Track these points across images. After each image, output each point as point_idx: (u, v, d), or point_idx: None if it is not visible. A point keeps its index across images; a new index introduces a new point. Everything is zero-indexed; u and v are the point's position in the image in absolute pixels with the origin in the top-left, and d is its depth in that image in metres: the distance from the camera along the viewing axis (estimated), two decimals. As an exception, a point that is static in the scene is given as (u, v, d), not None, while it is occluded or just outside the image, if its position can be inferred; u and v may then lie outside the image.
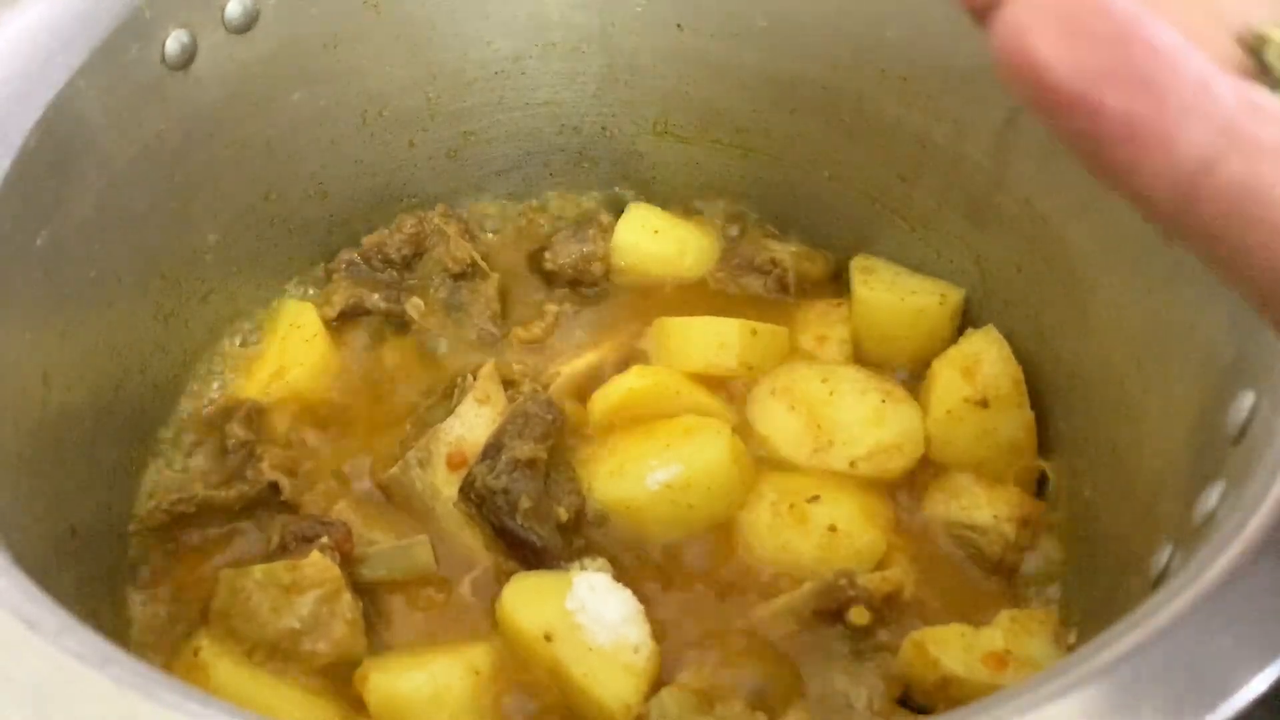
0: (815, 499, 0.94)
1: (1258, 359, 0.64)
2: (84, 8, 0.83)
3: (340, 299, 1.07)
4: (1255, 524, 0.49)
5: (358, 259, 1.10)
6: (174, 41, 0.89)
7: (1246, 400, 0.62)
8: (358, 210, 1.11)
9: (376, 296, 1.08)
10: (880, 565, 0.92)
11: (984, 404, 0.99)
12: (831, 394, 1.01)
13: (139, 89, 0.88)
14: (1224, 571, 0.47)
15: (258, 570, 0.86)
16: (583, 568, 0.89)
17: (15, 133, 0.77)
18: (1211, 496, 0.59)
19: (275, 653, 0.85)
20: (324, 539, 0.89)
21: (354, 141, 1.08)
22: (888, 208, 1.10)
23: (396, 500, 0.96)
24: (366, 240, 1.10)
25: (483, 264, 1.10)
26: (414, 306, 1.08)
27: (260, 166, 1.01)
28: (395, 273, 1.10)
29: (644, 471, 0.94)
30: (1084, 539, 0.90)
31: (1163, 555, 0.65)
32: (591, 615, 0.85)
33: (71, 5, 0.83)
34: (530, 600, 0.87)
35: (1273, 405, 0.59)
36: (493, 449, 0.93)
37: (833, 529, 0.93)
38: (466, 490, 0.92)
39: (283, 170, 1.03)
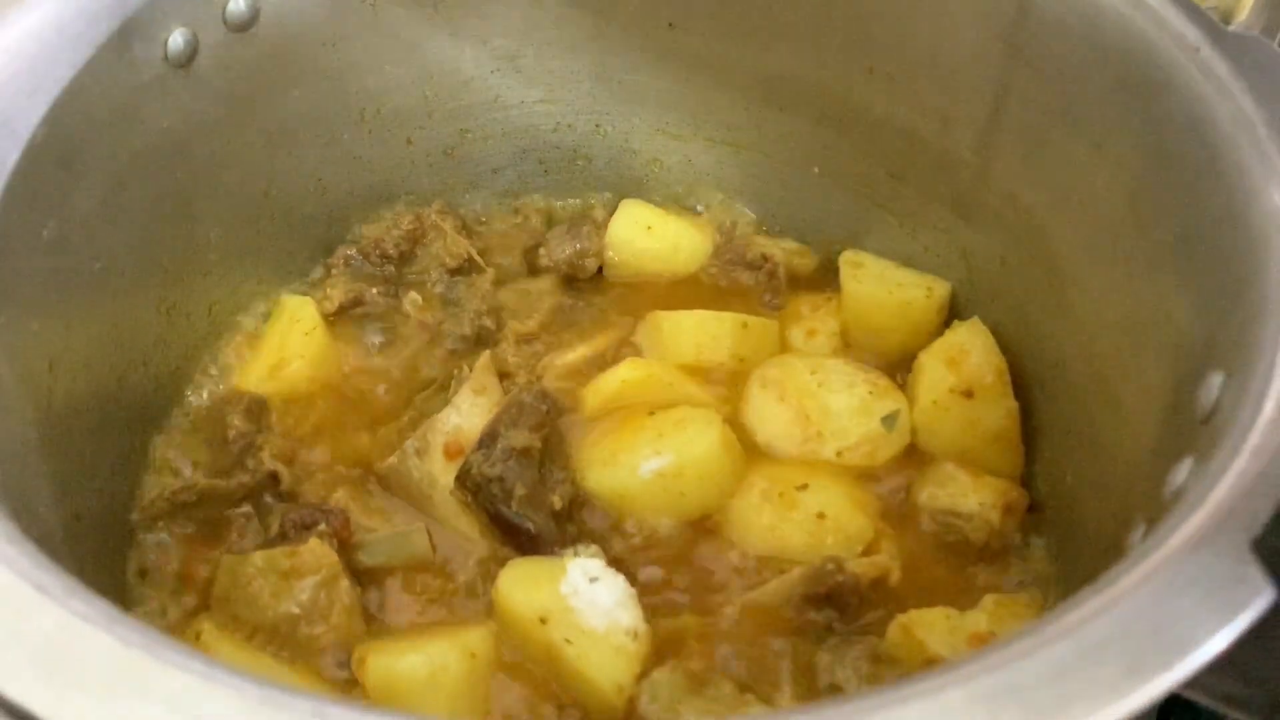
0: (804, 487, 0.96)
1: (1227, 341, 0.66)
2: (89, 6, 0.84)
3: (339, 293, 1.09)
4: (1217, 496, 0.51)
5: (356, 254, 1.12)
6: (176, 40, 0.91)
7: (1216, 381, 0.64)
8: (356, 206, 1.13)
9: (375, 291, 1.10)
10: (868, 551, 0.94)
11: (969, 394, 1.01)
12: (820, 386, 1.03)
13: (142, 86, 0.90)
14: (1186, 540, 0.49)
15: (258, 557, 0.88)
16: (576, 554, 0.91)
17: (23, 126, 0.78)
18: (1181, 473, 0.61)
19: (275, 636, 0.87)
20: (322, 526, 0.91)
21: (352, 138, 1.10)
22: (876, 203, 1.13)
23: (394, 489, 0.97)
24: (365, 235, 1.12)
25: (479, 259, 1.12)
26: (411, 301, 1.10)
27: (260, 163, 1.03)
28: (393, 268, 1.12)
29: (637, 461, 0.96)
30: (1065, 523, 0.91)
31: (1137, 534, 0.67)
32: (585, 600, 0.87)
33: (77, 3, 0.84)
34: (525, 585, 0.88)
35: (1240, 385, 0.61)
36: (488, 438, 0.95)
37: (821, 516, 0.95)
38: (463, 478, 0.94)
39: (282, 166, 1.05)
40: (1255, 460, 0.53)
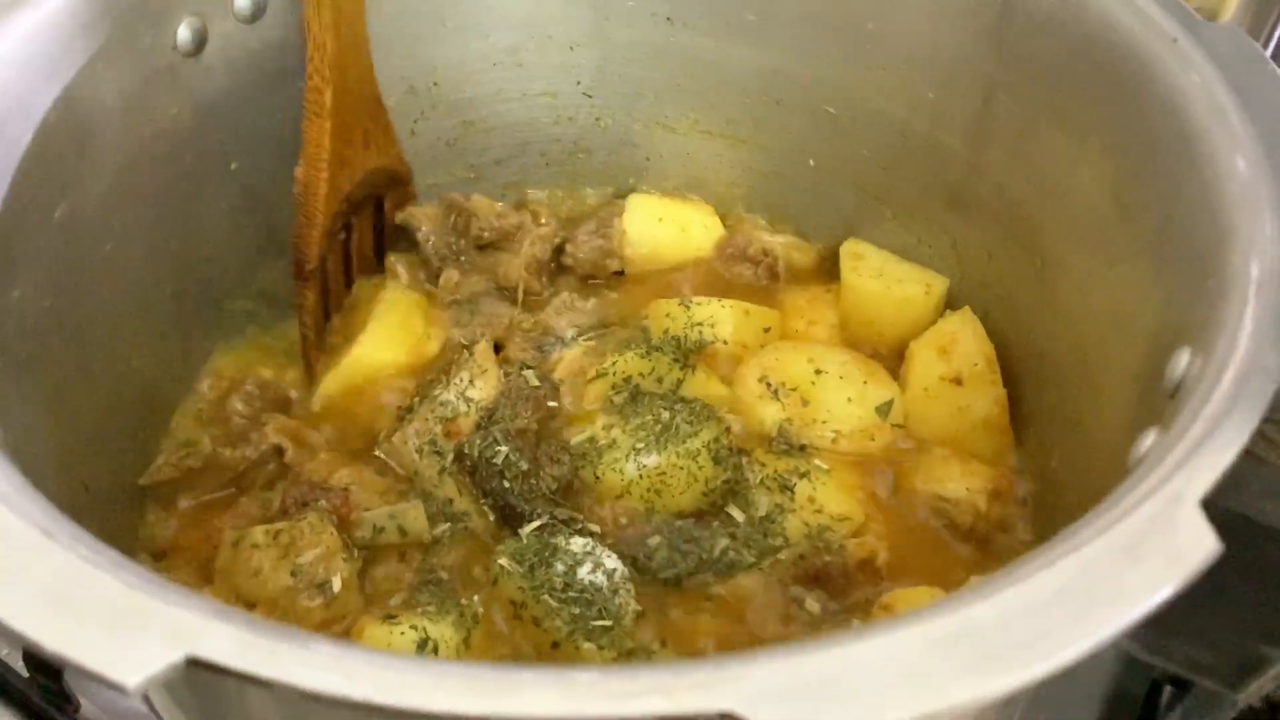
0: (799, 472, 0.98)
1: (1195, 319, 0.67)
2: (102, -5, 0.87)
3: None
4: (1173, 460, 0.53)
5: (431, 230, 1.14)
6: (186, 29, 0.94)
7: (1184, 357, 0.66)
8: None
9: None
10: (858, 534, 0.96)
11: (959, 382, 1.03)
12: (816, 374, 1.05)
13: (152, 74, 0.92)
14: (1138, 499, 0.51)
15: (259, 531, 0.90)
16: (570, 535, 0.93)
17: (38, 110, 0.81)
18: (1145, 443, 0.63)
19: (274, 609, 0.89)
20: (323, 503, 0.93)
21: (358, 129, 1.12)
22: (871, 195, 1.15)
23: (394, 467, 1.00)
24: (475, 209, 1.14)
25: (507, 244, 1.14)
26: (445, 280, 1.13)
27: (268, 151, 1.05)
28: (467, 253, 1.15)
29: (634, 445, 0.98)
30: (1049, 507, 0.93)
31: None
32: (578, 579, 0.89)
33: (90, -8, 0.87)
34: (520, 564, 0.91)
35: (1204, 359, 0.63)
36: (487, 420, 0.97)
37: (813, 500, 0.97)
38: (461, 458, 0.96)
39: (289, 155, 1.07)
40: (1208, 425, 0.55)
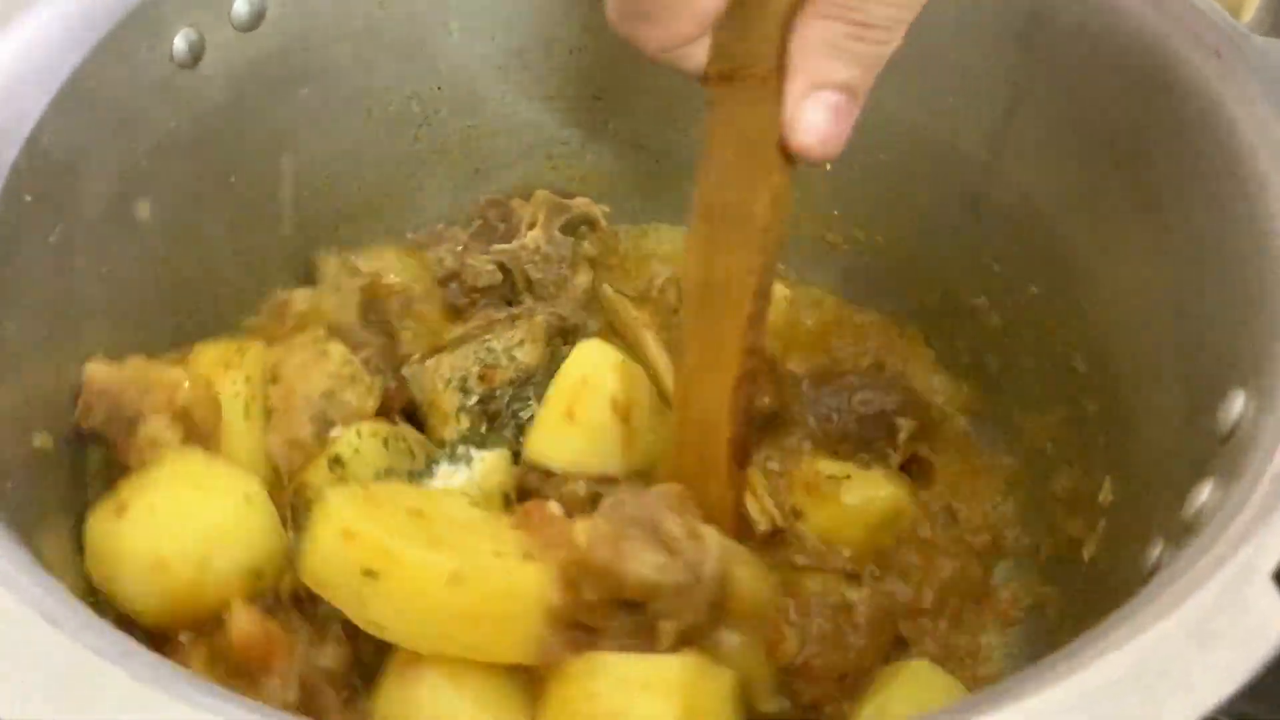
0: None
1: (1247, 356, 0.65)
2: (94, 7, 0.84)
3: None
4: (1240, 524, 0.51)
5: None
6: (182, 39, 0.90)
7: (1237, 399, 0.63)
8: (363, 204, 1.12)
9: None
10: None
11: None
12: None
13: (148, 86, 0.89)
14: (1206, 571, 0.49)
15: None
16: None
17: (26, 129, 0.78)
18: (1202, 494, 0.60)
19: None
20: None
21: (360, 136, 1.08)
22: (888, 201, 1.11)
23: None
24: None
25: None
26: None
27: (267, 162, 1.02)
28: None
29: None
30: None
31: (1155, 550, 0.67)
32: None
33: (82, 4, 0.84)
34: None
35: (1260, 405, 0.60)
36: (523, 381, 0.99)
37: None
38: (486, 401, 0.97)
39: (290, 166, 1.04)
40: (1277, 486, 0.52)
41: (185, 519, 0.74)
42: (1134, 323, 0.84)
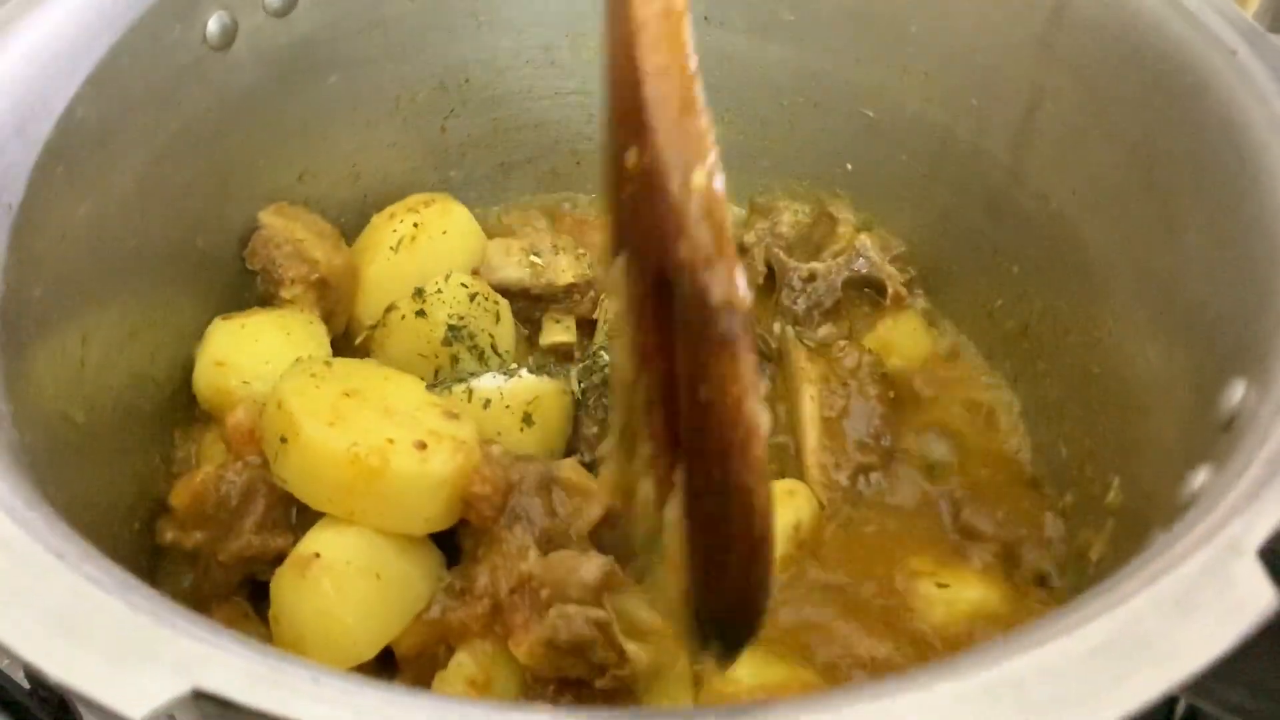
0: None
1: (1251, 348, 0.64)
2: (129, -11, 0.86)
3: None
4: (1229, 503, 0.51)
5: None
6: (215, 23, 0.92)
7: (1238, 388, 0.63)
8: (389, 192, 1.13)
9: None
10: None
11: None
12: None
13: (181, 68, 0.91)
14: (1193, 545, 0.49)
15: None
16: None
17: (60, 105, 0.80)
18: (1198, 479, 0.60)
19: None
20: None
21: (387, 125, 1.10)
22: (909, 202, 1.12)
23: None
24: None
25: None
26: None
27: (295, 147, 1.04)
28: None
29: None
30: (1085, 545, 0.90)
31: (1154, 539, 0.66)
32: None
33: (117, -14, 0.86)
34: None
35: (1260, 394, 0.60)
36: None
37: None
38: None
39: (317, 151, 1.06)
40: (1268, 469, 0.52)
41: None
42: (1147, 319, 0.84)
